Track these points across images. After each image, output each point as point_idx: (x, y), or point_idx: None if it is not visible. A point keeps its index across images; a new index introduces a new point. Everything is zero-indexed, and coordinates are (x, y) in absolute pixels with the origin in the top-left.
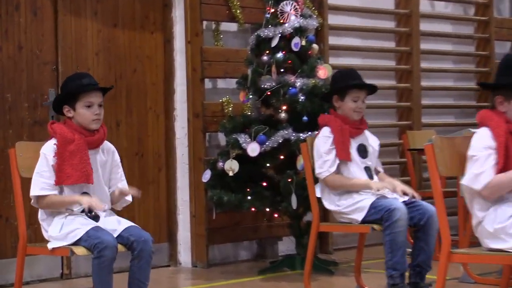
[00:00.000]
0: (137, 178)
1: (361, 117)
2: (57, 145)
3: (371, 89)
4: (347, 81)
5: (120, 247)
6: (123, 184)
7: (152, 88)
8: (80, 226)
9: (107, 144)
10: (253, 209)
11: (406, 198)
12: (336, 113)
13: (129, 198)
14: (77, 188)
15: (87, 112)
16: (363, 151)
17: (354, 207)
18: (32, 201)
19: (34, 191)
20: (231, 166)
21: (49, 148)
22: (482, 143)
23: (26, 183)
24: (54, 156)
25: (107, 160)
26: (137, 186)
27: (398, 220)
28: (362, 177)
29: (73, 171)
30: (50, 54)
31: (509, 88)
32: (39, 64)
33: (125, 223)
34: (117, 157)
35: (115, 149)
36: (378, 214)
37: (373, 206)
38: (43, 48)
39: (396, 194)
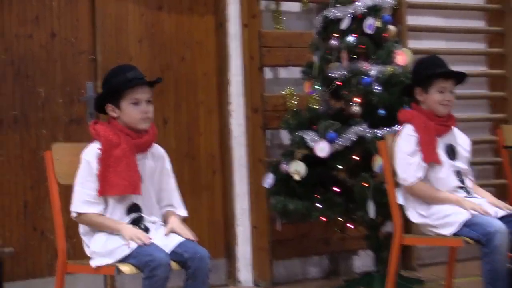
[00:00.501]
0: (187, 183)
1: (449, 111)
2: (102, 149)
3: (460, 78)
4: (430, 69)
5: (174, 265)
6: (175, 198)
7: (204, 79)
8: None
9: (157, 149)
10: (323, 218)
11: (501, 213)
12: (419, 108)
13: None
14: (123, 199)
15: (134, 110)
16: (451, 152)
17: (443, 221)
18: (72, 214)
19: (75, 206)
20: (297, 169)
21: (92, 153)
22: None
23: (64, 190)
24: (98, 162)
25: (157, 167)
26: (188, 193)
27: (499, 246)
28: (452, 182)
29: (118, 179)
30: (86, 42)
31: None
32: (75, 54)
33: (178, 237)
34: (168, 164)
35: (166, 154)
36: (473, 234)
37: (467, 224)
38: (79, 35)
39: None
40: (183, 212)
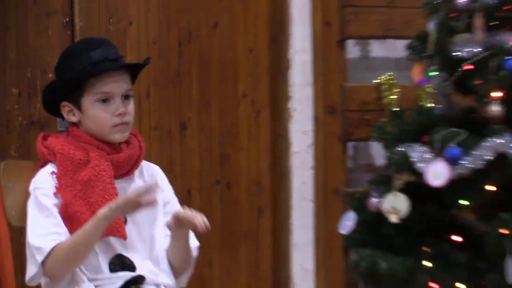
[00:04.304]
0: (218, 228)
1: None
2: (59, 173)
3: None
4: None
5: None
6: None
7: (248, 60)
8: None
9: (147, 167)
10: (434, 285)
11: None
12: None
13: (193, 251)
14: (100, 248)
15: (102, 111)
16: None
17: None
18: (29, 278)
19: (34, 263)
20: (395, 206)
21: (45, 182)
22: None
23: (20, 235)
24: (56, 194)
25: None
26: (219, 243)
27: None
28: None
29: (92, 216)
30: None
31: None
32: (39, 15)
33: None
34: (167, 187)
35: (161, 172)
36: None
37: None
38: None
39: None
40: (193, 244)
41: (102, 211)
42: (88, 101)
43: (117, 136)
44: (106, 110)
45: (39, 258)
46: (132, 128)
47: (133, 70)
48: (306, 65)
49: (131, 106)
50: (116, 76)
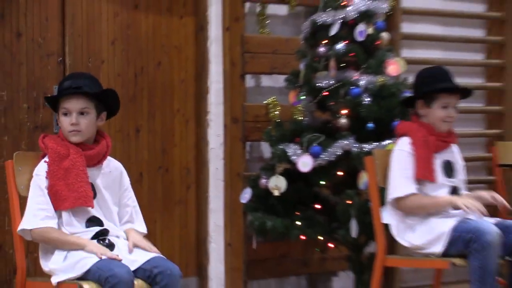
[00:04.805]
0: (160, 198)
1: (450, 127)
2: (49, 162)
3: (464, 94)
4: (435, 83)
5: (141, 284)
6: (135, 214)
7: (181, 87)
8: (89, 254)
9: (113, 162)
10: (303, 237)
11: (495, 220)
12: (419, 121)
13: (142, 229)
14: (79, 212)
15: (63, 121)
16: (449, 168)
17: (430, 237)
18: (20, 229)
19: (27, 222)
20: (277, 184)
21: (41, 168)
22: None
23: (25, 203)
24: (46, 177)
25: (114, 182)
26: (160, 208)
27: (490, 242)
28: None
29: (69, 192)
30: (55, 43)
31: None
32: (42, 56)
33: (148, 253)
34: (126, 179)
35: (123, 168)
36: (463, 240)
37: (455, 230)
38: (47, 35)
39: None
40: (143, 229)
41: (86, 243)
42: (60, 114)
43: (73, 139)
44: (65, 120)
45: (30, 225)
46: (102, 132)
47: (102, 95)
48: (219, 91)
49: (84, 119)
50: (73, 98)
